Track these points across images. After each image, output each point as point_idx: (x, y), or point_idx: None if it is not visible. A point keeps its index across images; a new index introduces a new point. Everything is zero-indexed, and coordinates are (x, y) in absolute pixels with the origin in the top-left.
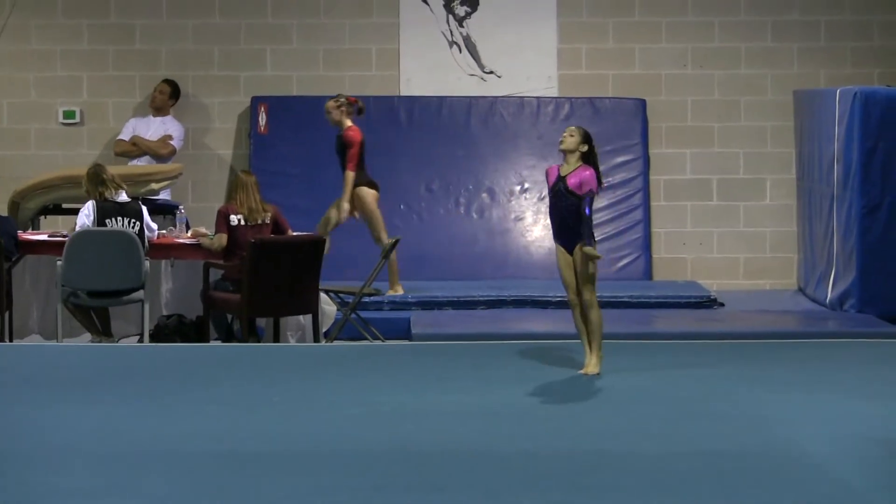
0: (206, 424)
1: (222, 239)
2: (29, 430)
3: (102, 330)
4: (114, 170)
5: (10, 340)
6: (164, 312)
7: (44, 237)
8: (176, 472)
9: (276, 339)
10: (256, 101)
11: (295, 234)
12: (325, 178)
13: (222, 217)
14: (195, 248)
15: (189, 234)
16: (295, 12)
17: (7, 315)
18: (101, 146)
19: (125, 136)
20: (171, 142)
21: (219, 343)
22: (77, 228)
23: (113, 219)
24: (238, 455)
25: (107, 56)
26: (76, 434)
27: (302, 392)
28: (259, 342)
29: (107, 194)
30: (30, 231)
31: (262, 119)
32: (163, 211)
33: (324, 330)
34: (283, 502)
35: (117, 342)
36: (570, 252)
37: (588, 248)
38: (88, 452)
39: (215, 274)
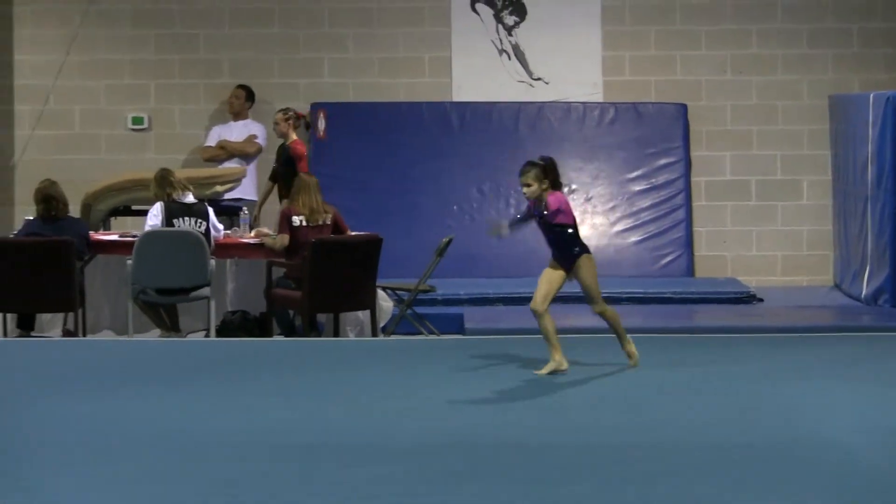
0: (268, 416)
1: (284, 239)
2: (101, 420)
3: (171, 325)
4: (180, 173)
5: (84, 336)
6: (230, 309)
7: (114, 237)
8: (239, 461)
9: (336, 333)
10: (315, 108)
11: (353, 234)
12: (379, 182)
13: (284, 218)
14: (258, 248)
15: (252, 235)
16: (351, 22)
17: (81, 312)
18: (167, 150)
19: (211, 142)
20: (256, 140)
21: (281, 338)
22: (146, 229)
23: (180, 219)
24: (297, 445)
25: (173, 65)
26: (144, 424)
27: (359, 384)
28: (319, 337)
29: (174, 196)
30: (101, 232)
31: (321, 124)
32: (228, 212)
33: (381, 325)
34: (339, 491)
35: (185, 337)
36: (568, 270)
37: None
38: (156, 441)
39: (278, 272)
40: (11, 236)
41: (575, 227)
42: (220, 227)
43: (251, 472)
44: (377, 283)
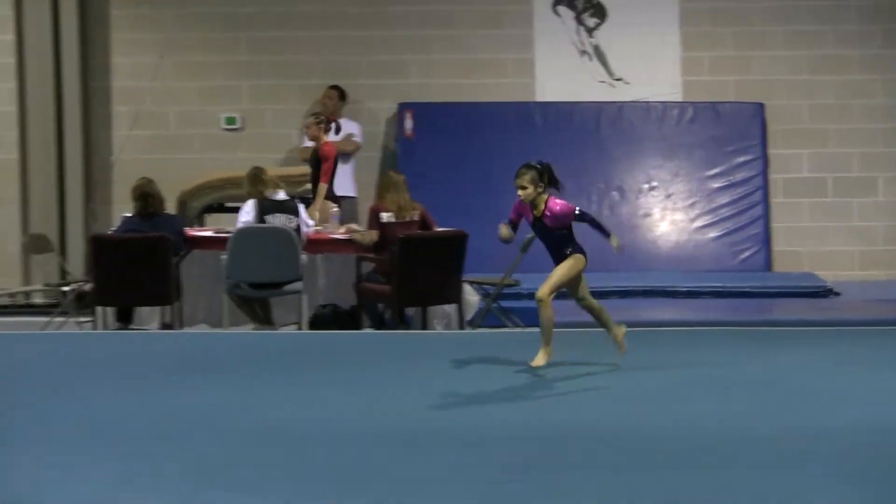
0: (358, 405)
1: (373, 235)
2: (196, 409)
3: (264, 318)
4: (271, 171)
5: (181, 328)
6: (321, 302)
7: (209, 233)
8: (331, 450)
9: (424, 326)
10: (402, 108)
11: (440, 230)
12: (465, 179)
13: (373, 214)
14: (348, 244)
15: (343, 230)
16: (436, 25)
17: (177, 305)
18: (259, 149)
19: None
20: (354, 139)
21: (371, 330)
22: (239, 225)
23: (272, 216)
24: (385, 433)
25: (265, 66)
26: (238, 413)
27: (446, 375)
28: (408, 330)
29: (266, 193)
30: (196, 228)
31: (408, 124)
32: None
33: (467, 318)
34: (427, 480)
35: (278, 330)
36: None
37: (613, 239)
38: (248, 429)
39: (367, 267)
40: (110, 233)
41: (570, 228)
42: (311, 222)
43: (347, 460)
44: (463, 278)
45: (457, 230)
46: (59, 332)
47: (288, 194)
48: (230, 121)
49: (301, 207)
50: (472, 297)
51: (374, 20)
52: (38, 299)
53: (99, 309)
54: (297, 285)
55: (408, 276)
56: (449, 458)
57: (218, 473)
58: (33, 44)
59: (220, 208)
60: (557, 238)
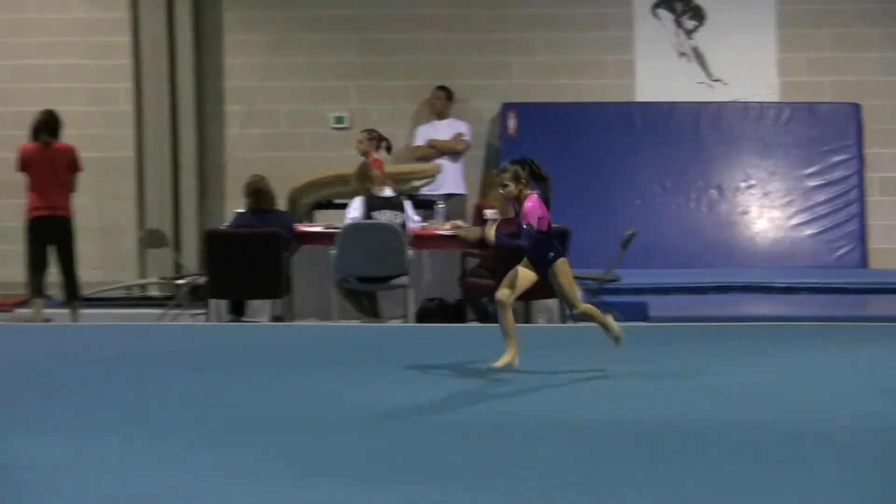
0: (459, 397)
1: (477, 231)
2: (305, 399)
3: (371, 312)
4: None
5: (291, 321)
6: (427, 296)
7: (318, 229)
8: (436, 440)
9: (527, 320)
10: (506, 107)
11: None
12: (566, 177)
13: (478, 211)
14: (453, 239)
15: (448, 227)
16: (538, 27)
17: (287, 299)
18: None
19: (420, 141)
20: (464, 138)
21: (476, 323)
22: (347, 221)
23: (379, 212)
24: (484, 425)
25: (372, 67)
26: (347, 403)
27: (547, 367)
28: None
29: (373, 190)
30: (306, 224)
31: (512, 123)
32: (424, 205)
33: (569, 312)
34: (516, 470)
35: (385, 323)
36: (543, 275)
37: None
38: (357, 419)
39: (472, 262)
40: (223, 228)
41: (549, 231)
42: (417, 218)
43: (451, 451)
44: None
45: (559, 226)
46: (174, 324)
47: (394, 191)
48: (338, 120)
49: (407, 204)
50: None
51: (479, 22)
52: (153, 292)
53: (212, 302)
54: (404, 279)
55: (510, 270)
56: (546, 448)
57: (325, 463)
58: (149, 46)
59: (328, 205)
60: (538, 241)
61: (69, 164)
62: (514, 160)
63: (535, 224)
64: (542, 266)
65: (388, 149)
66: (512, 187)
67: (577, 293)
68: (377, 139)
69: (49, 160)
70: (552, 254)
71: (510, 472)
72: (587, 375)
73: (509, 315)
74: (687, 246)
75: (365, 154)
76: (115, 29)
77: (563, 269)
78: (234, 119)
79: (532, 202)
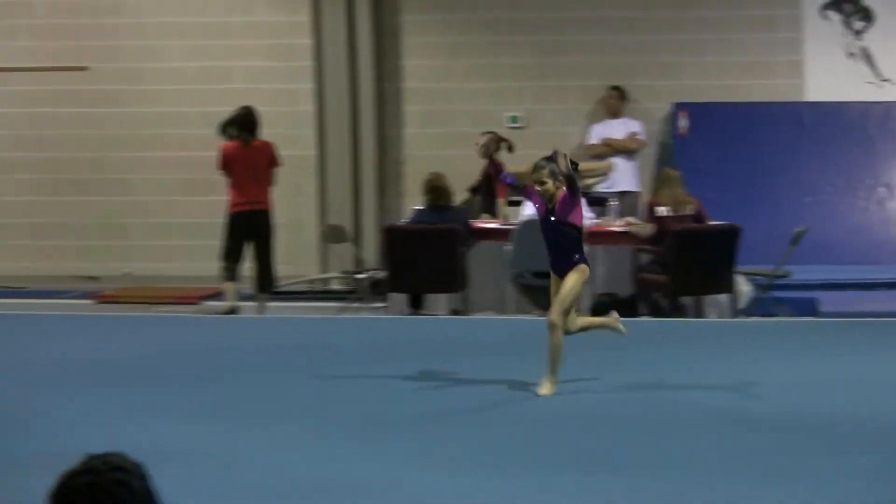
0: (633, 390)
1: (650, 227)
2: (485, 391)
3: (546, 306)
4: None
5: (468, 314)
6: (601, 291)
7: (494, 225)
8: (616, 433)
9: (698, 315)
10: (677, 107)
11: (713, 223)
12: (738, 175)
13: (650, 208)
14: (626, 236)
15: (621, 223)
16: (711, 29)
17: (465, 293)
18: (542, 146)
19: (594, 140)
20: (639, 137)
21: (648, 318)
22: (523, 217)
23: None
24: (659, 418)
25: (547, 68)
26: (528, 396)
27: (719, 362)
28: (683, 318)
29: None
30: (482, 220)
31: (683, 122)
32: (599, 202)
33: (739, 307)
34: (688, 460)
35: None
36: (561, 277)
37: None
38: (538, 412)
39: (645, 258)
40: (402, 224)
41: (581, 231)
42: (591, 215)
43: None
44: (736, 269)
45: (730, 223)
46: (355, 317)
47: None
48: (514, 119)
49: (583, 201)
50: (744, 286)
51: (651, 24)
52: (334, 286)
53: (392, 295)
54: None
55: (683, 266)
56: (730, 440)
57: (510, 454)
58: (331, 48)
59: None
60: (567, 240)
61: (269, 160)
62: (549, 157)
63: (578, 223)
64: (564, 267)
65: (510, 149)
66: (550, 184)
67: (571, 305)
68: (497, 141)
69: (249, 157)
70: (577, 256)
71: (680, 462)
72: (756, 369)
73: (559, 337)
74: (856, 243)
75: (486, 157)
76: (298, 32)
77: (581, 276)
78: (413, 119)
79: (577, 200)
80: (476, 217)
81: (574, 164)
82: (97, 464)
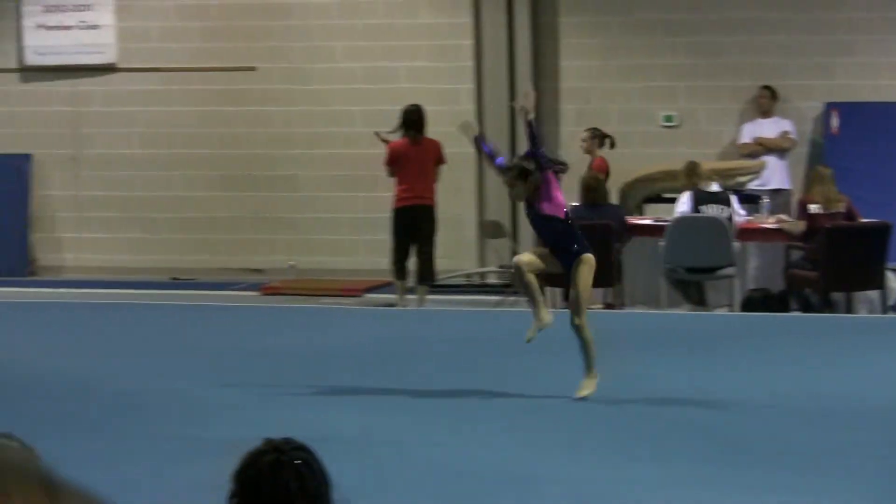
0: (783, 382)
1: (801, 225)
2: (635, 383)
3: (698, 300)
4: (706, 165)
5: (622, 308)
6: (752, 286)
7: (648, 222)
8: (749, 420)
9: (848, 311)
10: (829, 106)
11: (864, 221)
12: (889, 174)
13: (802, 206)
14: (778, 232)
15: (773, 220)
16: (860, 30)
17: (619, 287)
18: (695, 145)
19: (745, 138)
20: (790, 136)
21: (799, 314)
22: (676, 214)
23: (706, 206)
24: (804, 409)
25: (700, 68)
26: (676, 387)
27: (869, 357)
28: (833, 313)
29: (701, 185)
30: (636, 217)
31: (835, 122)
32: (750, 200)
33: (890, 303)
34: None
35: (711, 311)
36: (568, 268)
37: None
38: (690, 403)
39: (796, 254)
40: None
41: (567, 221)
42: (743, 212)
43: (758, 431)
44: (886, 266)
45: (881, 221)
46: (511, 310)
47: (720, 186)
48: (668, 119)
49: (733, 198)
50: (894, 283)
51: (802, 25)
52: (491, 280)
53: (547, 289)
54: (730, 270)
55: (833, 263)
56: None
57: (665, 445)
58: (490, 48)
59: (658, 199)
60: (557, 230)
61: (436, 158)
62: (514, 162)
63: (560, 215)
64: (566, 259)
65: (612, 145)
66: (519, 187)
67: (590, 298)
68: (600, 137)
69: (418, 154)
70: (576, 246)
71: (838, 454)
72: None
73: (530, 277)
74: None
75: (589, 153)
76: (459, 33)
77: (590, 270)
78: (569, 117)
79: (555, 188)
80: None
81: (529, 125)
82: (279, 444)
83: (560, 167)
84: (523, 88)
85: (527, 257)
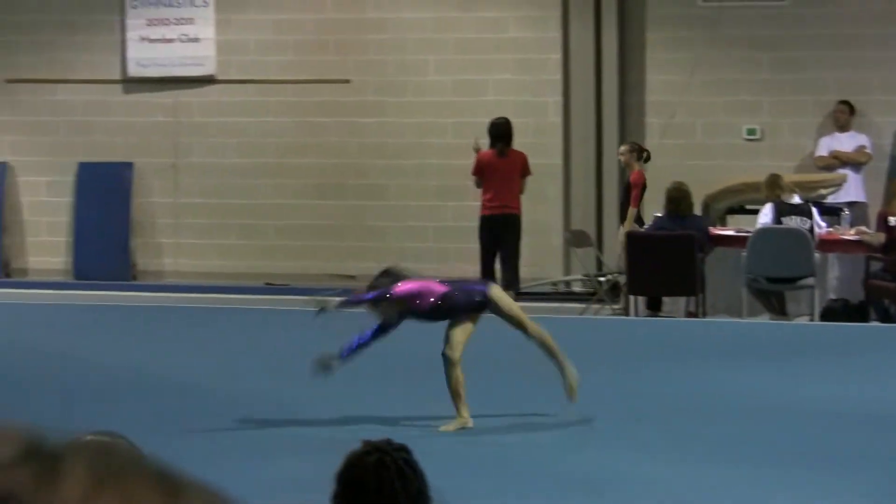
0: (860, 390)
1: (881, 237)
2: (720, 390)
3: (779, 310)
4: (787, 178)
5: (704, 317)
6: (832, 296)
7: (730, 233)
8: (827, 429)
9: None
10: None
11: None
12: None
13: (881, 218)
14: (858, 244)
15: (852, 232)
16: None
17: (701, 296)
18: (777, 158)
19: (822, 151)
20: (867, 150)
21: (878, 323)
22: (758, 225)
23: (788, 218)
24: (878, 417)
25: (783, 83)
26: (757, 394)
27: None
28: None
29: (783, 197)
30: (719, 227)
31: None
32: (830, 212)
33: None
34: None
35: (792, 321)
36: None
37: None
38: (769, 409)
39: (875, 265)
40: (642, 230)
41: (446, 296)
42: (824, 224)
43: (837, 437)
44: None
45: None
46: (595, 317)
47: (802, 198)
48: (751, 132)
49: (815, 210)
50: None
51: (884, 41)
52: (576, 288)
53: (631, 297)
54: (810, 281)
55: None
56: None
57: (760, 449)
58: (578, 62)
59: (740, 210)
60: (452, 307)
61: (521, 169)
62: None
63: (425, 309)
64: (477, 311)
65: (647, 159)
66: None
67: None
68: (638, 151)
69: (504, 165)
70: (477, 298)
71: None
72: None
73: (458, 372)
74: None
75: (627, 166)
76: (547, 47)
77: (498, 295)
78: (654, 130)
79: (409, 286)
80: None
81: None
82: (381, 445)
83: (384, 290)
84: (608, 103)
85: (459, 352)
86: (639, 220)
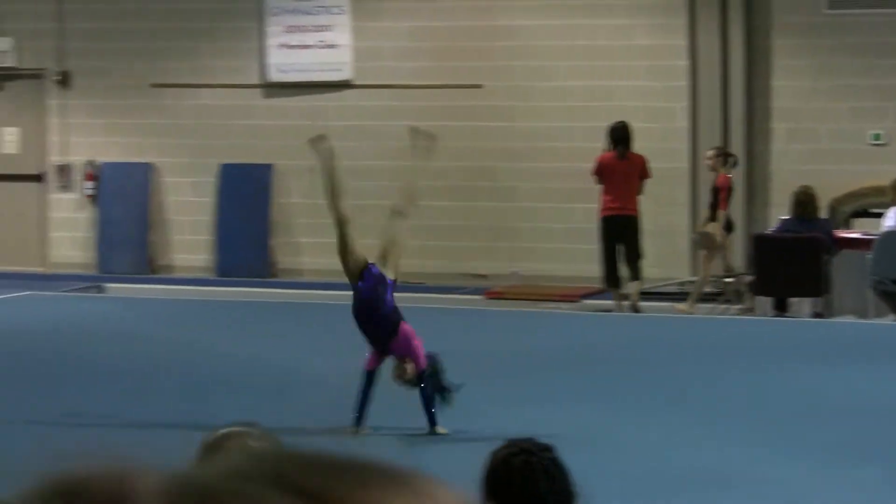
0: None
1: None
2: (842, 390)
3: None
4: None
5: (830, 318)
6: None
7: (856, 235)
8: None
9: None
10: None
11: None
12: None
13: None
14: None
15: None
16: None
17: (827, 297)
18: None
19: None
20: None
21: None
22: (883, 229)
23: None
24: None
25: None
26: (881, 395)
27: None
28: None
29: None
30: (844, 230)
31: None
32: None
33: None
34: None
35: None
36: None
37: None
38: (865, 407)
39: None
40: (769, 232)
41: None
42: None
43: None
44: None
45: None
46: (722, 317)
47: None
48: (876, 137)
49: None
50: None
51: None
52: (704, 289)
53: (758, 298)
54: None
55: None
56: None
57: (860, 450)
58: (705, 69)
59: (865, 213)
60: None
61: (641, 172)
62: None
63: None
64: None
65: (735, 164)
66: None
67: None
68: (724, 156)
69: (624, 168)
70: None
71: None
72: None
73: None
74: None
75: (714, 170)
76: (675, 54)
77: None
78: (780, 135)
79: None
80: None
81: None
82: (527, 445)
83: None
84: (736, 109)
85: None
86: (728, 223)
